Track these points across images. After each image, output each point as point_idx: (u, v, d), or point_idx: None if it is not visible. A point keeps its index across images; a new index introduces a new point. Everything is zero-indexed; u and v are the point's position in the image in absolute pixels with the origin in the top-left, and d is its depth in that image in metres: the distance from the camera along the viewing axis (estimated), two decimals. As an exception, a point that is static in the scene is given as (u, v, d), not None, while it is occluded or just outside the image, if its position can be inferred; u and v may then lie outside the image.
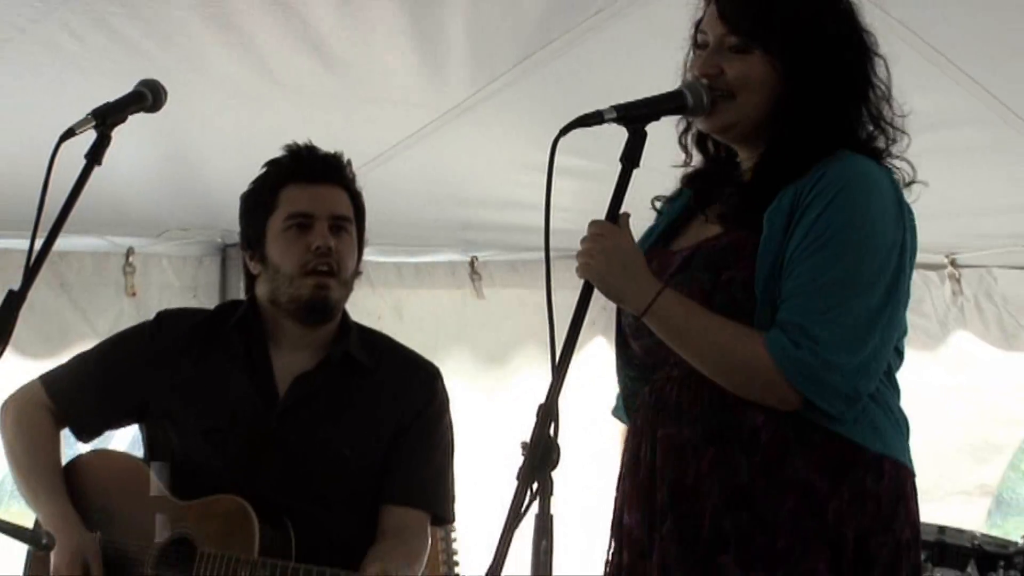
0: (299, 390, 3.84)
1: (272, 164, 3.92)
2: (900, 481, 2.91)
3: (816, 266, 2.80)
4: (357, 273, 3.93)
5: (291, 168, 3.89)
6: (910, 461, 2.95)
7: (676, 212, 3.11)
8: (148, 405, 3.92)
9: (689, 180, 3.11)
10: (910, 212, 2.92)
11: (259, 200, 3.89)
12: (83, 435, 4.01)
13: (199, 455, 3.84)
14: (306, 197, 3.84)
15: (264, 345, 3.88)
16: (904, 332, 2.97)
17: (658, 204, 3.15)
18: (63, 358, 5.22)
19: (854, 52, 2.95)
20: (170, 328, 3.99)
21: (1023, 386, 6.26)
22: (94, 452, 4.06)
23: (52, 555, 3.78)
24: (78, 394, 3.96)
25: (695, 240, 2.99)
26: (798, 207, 2.84)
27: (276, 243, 3.84)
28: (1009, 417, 6.42)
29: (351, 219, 3.88)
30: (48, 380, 3.99)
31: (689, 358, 2.86)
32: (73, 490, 3.89)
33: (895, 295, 2.86)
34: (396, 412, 3.87)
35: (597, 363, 5.43)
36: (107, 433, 4.16)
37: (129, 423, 4.06)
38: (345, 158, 3.94)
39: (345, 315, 3.94)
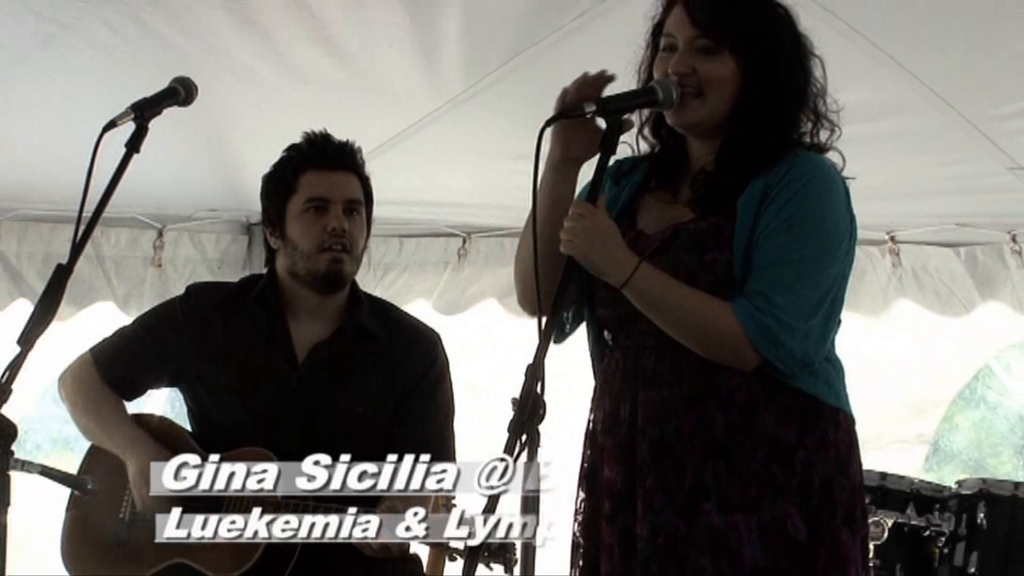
0: (316, 357, 3.90)
1: (292, 149, 3.96)
2: (851, 430, 2.97)
3: (782, 246, 2.84)
4: (365, 248, 3.99)
5: (310, 155, 3.92)
6: (850, 407, 3.01)
7: (632, 189, 3.10)
8: (182, 369, 3.98)
9: (647, 161, 3.11)
10: (851, 203, 2.98)
11: (280, 183, 3.93)
12: (126, 395, 4.05)
13: (228, 414, 3.90)
14: (323, 183, 3.88)
15: (283, 315, 3.93)
16: None
17: (622, 179, 3.13)
18: (78, 318, 5.24)
19: (801, 54, 2.98)
20: (198, 300, 4.04)
21: (956, 347, 6.26)
22: (138, 415, 4.07)
23: (130, 467, 3.82)
24: (120, 360, 4.01)
25: (665, 221, 3.00)
26: (767, 197, 2.87)
27: (296, 223, 3.89)
28: (943, 375, 6.40)
29: (362, 202, 3.92)
30: (95, 351, 4.05)
31: (663, 325, 2.89)
32: None
33: (843, 276, 2.93)
34: (402, 375, 3.92)
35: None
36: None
37: (165, 385, 4.12)
38: (356, 145, 3.97)
39: (355, 287, 3.99)
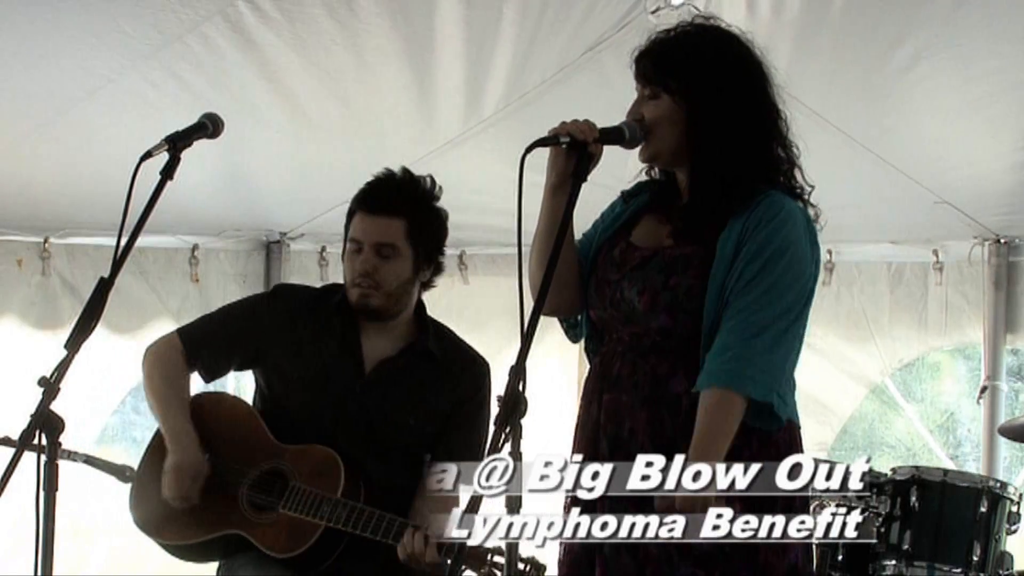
0: (382, 371, 3.80)
1: (357, 191, 3.86)
2: (793, 433, 2.93)
3: (749, 304, 2.81)
4: (415, 282, 3.84)
5: (360, 198, 3.82)
6: (797, 416, 2.97)
7: (637, 206, 3.08)
8: (260, 355, 3.87)
9: (647, 185, 3.09)
10: (817, 237, 2.94)
11: (346, 219, 3.86)
12: (207, 375, 3.93)
13: (295, 403, 3.80)
14: (361, 226, 3.78)
15: (356, 328, 3.83)
16: None
17: (631, 199, 3.10)
18: (142, 333, 5.22)
19: (750, 83, 2.93)
20: (285, 298, 3.94)
21: (852, 366, 6.17)
22: (213, 392, 4.01)
23: (169, 456, 3.74)
24: (205, 341, 3.89)
25: (652, 242, 2.98)
26: (743, 240, 2.84)
27: (344, 258, 3.85)
28: (842, 390, 6.27)
29: (395, 245, 3.76)
30: (182, 331, 3.95)
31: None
32: (196, 417, 3.83)
33: (804, 315, 2.88)
34: (452, 396, 3.83)
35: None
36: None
37: (244, 368, 4.00)
38: (419, 186, 3.82)
39: (422, 312, 3.90)
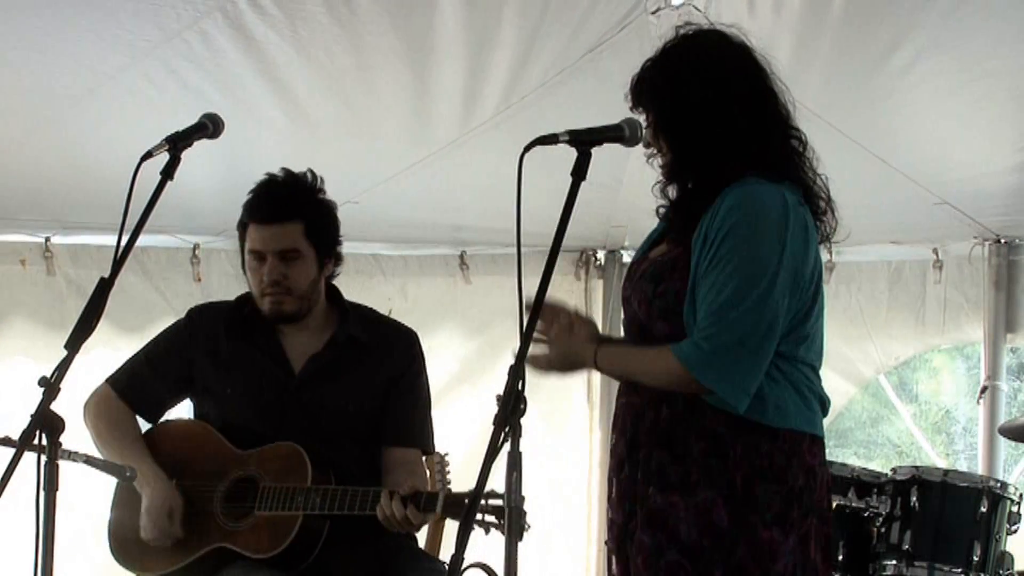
0: (312, 367, 3.83)
1: (245, 202, 3.86)
2: (795, 444, 2.89)
3: (709, 288, 2.82)
4: (321, 278, 3.86)
5: (250, 209, 3.82)
6: (816, 428, 2.95)
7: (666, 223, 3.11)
8: (191, 381, 3.91)
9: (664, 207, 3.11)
10: (796, 222, 2.89)
11: (239, 229, 3.87)
12: (147, 415, 3.97)
13: (233, 418, 3.83)
14: (259, 237, 3.78)
15: (273, 332, 3.86)
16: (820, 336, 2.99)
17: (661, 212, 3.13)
18: (150, 332, 5.23)
19: (723, 101, 2.93)
20: (201, 319, 3.96)
21: (847, 364, 6.16)
22: (168, 421, 4.01)
23: (143, 499, 3.76)
24: (136, 383, 3.93)
25: (657, 253, 3.03)
26: (708, 233, 2.85)
27: (247, 269, 3.85)
28: (833, 388, 6.21)
29: (299, 249, 3.78)
30: (112, 379, 3.97)
31: (636, 382, 2.96)
32: (153, 449, 3.86)
33: (770, 295, 2.82)
34: (385, 372, 3.86)
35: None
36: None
37: (181, 399, 4.01)
38: (307, 184, 3.84)
39: (340, 300, 3.92)
